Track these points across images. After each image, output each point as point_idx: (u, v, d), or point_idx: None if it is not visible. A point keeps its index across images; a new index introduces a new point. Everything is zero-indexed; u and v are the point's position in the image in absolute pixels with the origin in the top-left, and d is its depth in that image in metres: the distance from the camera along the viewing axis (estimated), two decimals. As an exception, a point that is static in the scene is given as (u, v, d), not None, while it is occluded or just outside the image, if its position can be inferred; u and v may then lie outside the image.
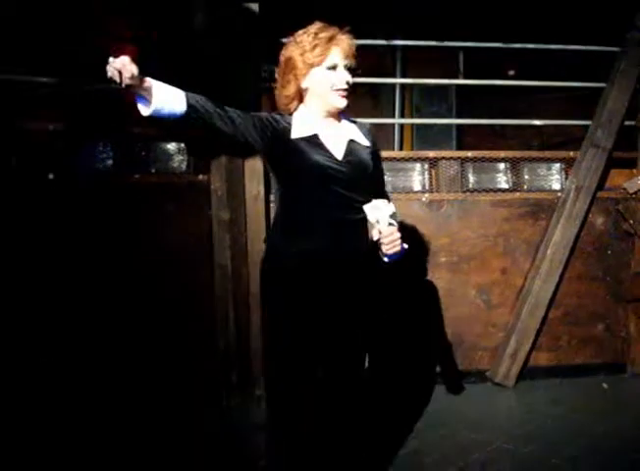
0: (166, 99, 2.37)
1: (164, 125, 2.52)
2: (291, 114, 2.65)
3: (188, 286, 4.16)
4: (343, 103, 2.57)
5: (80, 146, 4.09)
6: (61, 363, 3.88)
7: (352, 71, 2.57)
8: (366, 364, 2.80)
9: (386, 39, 4.66)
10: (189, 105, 2.42)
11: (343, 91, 2.55)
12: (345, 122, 2.70)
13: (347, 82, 2.55)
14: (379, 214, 2.54)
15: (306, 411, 2.63)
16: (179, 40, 4.13)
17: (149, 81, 2.34)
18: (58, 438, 3.57)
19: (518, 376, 4.57)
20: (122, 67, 2.21)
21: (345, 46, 2.54)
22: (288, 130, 2.57)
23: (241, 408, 4.13)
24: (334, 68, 2.54)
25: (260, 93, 4.18)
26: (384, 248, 2.56)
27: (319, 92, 2.58)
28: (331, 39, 2.53)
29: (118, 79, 2.22)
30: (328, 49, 2.53)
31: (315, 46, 2.53)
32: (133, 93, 2.35)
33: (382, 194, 2.75)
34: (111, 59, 2.22)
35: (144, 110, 2.40)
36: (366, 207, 2.55)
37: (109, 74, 2.22)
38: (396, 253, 2.57)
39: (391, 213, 2.56)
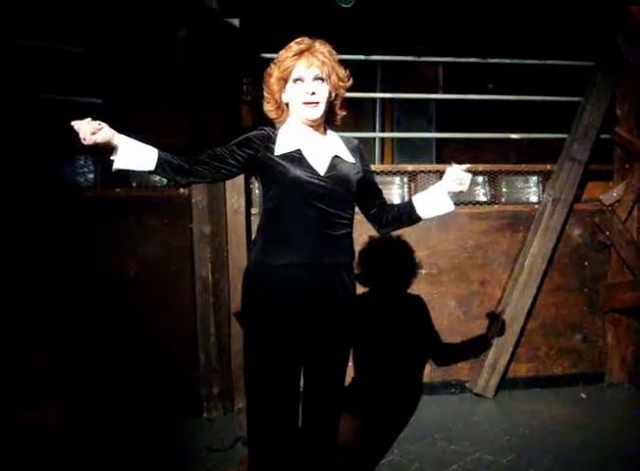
0: (132, 160, 2.47)
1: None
2: (280, 123, 2.68)
3: (170, 298, 4.17)
4: (311, 114, 2.58)
5: (61, 159, 4.11)
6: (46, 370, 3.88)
7: (325, 79, 2.57)
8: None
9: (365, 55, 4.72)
10: (159, 166, 2.51)
11: (310, 103, 2.57)
12: (331, 136, 2.71)
13: (313, 93, 2.56)
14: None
15: (286, 424, 2.64)
16: (162, 54, 4.17)
17: (118, 141, 2.43)
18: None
19: (498, 386, 4.61)
20: (78, 128, 2.35)
21: (311, 57, 2.56)
22: (271, 149, 2.59)
23: (222, 420, 4.16)
24: (300, 80, 2.57)
25: (241, 105, 4.22)
26: (451, 183, 2.70)
27: (292, 106, 2.63)
28: (301, 52, 2.56)
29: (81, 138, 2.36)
30: (294, 62, 2.56)
31: (284, 60, 2.58)
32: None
33: (384, 202, 2.88)
34: (73, 122, 2.35)
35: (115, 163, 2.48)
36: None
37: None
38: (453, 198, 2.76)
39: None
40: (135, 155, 2.46)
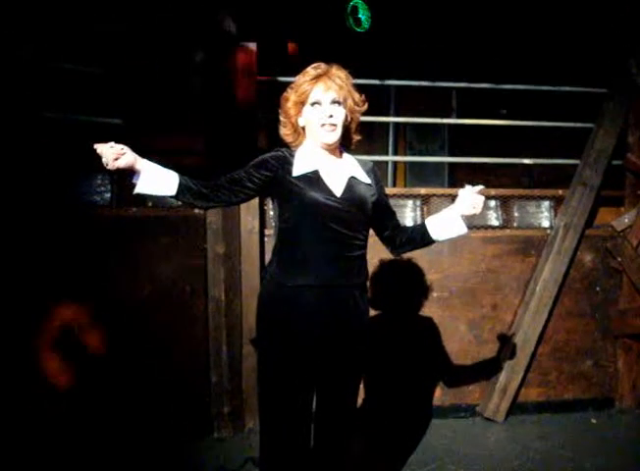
0: (153, 185, 2.50)
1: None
2: (296, 146, 2.72)
3: (183, 317, 4.20)
4: (329, 138, 2.62)
5: (78, 177, 4.17)
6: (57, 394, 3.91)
7: (342, 103, 2.62)
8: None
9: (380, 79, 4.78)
10: (180, 192, 2.55)
11: (328, 126, 2.60)
12: (347, 158, 2.75)
13: (331, 116, 2.60)
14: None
15: (298, 445, 2.66)
16: (180, 76, 4.23)
17: (140, 165, 2.47)
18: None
19: (508, 411, 4.60)
20: (101, 152, 2.38)
21: (328, 81, 2.60)
22: (288, 170, 2.63)
23: (232, 440, 4.15)
24: (318, 103, 2.61)
25: (258, 128, 4.28)
26: (464, 206, 2.73)
27: (310, 129, 2.67)
28: (318, 77, 2.60)
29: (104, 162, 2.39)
30: (311, 86, 2.60)
31: (301, 84, 2.62)
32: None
33: (398, 224, 2.89)
34: (96, 146, 2.38)
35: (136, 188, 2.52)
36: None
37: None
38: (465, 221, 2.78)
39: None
40: (157, 181, 2.50)
